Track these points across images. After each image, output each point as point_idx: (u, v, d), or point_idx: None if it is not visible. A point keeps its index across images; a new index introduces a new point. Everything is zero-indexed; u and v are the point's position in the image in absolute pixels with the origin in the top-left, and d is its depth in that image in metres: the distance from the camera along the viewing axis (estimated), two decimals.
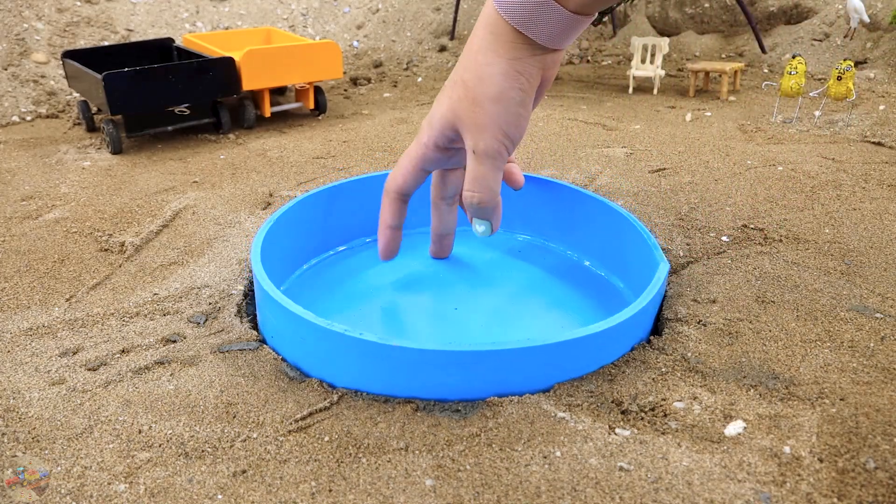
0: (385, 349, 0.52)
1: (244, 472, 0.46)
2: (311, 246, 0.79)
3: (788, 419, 0.50)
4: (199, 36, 1.55)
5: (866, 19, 1.83)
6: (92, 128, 1.36)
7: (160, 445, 0.49)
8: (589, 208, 0.78)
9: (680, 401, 0.52)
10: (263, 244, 0.67)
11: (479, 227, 0.61)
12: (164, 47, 1.49)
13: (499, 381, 0.53)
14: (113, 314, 0.68)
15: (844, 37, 1.89)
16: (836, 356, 0.58)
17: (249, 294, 0.73)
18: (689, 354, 0.59)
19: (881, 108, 1.42)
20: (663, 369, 0.57)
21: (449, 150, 0.60)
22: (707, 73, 1.64)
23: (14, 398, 0.55)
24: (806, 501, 0.43)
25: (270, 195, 1.00)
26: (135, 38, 1.87)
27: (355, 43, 2.09)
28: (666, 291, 0.70)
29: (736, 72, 1.63)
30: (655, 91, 1.66)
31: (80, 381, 0.57)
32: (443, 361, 0.52)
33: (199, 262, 0.79)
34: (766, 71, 1.84)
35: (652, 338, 0.62)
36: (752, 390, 0.54)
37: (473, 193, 0.57)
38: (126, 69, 1.16)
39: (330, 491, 0.45)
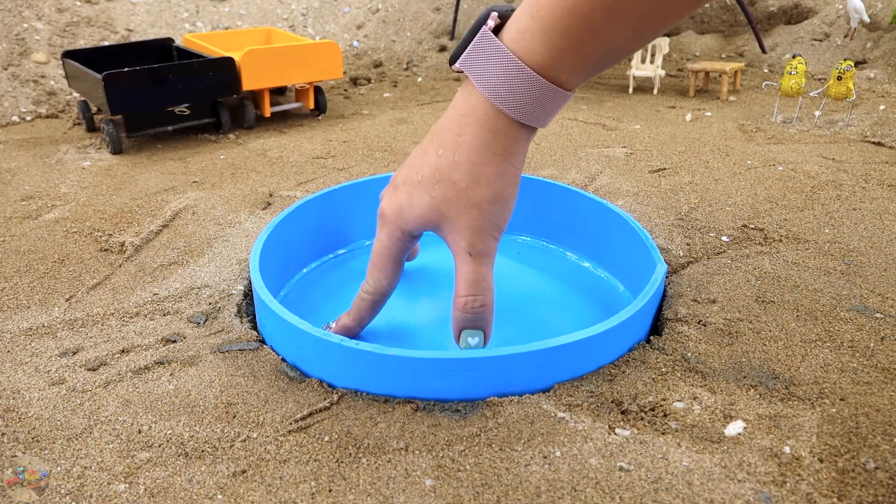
0: (382, 359, 0.52)
1: (244, 472, 0.46)
2: (311, 249, 0.79)
3: (788, 419, 0.50)
4: (199, 36, 1.55)
5: (866, 19, 1.83)
6: (92, 128, 1.36)
7: (160, 445, 0.49)
8: (588, 210, 0.78)
9: (680, 401, 0.52)
10: (263, 249, 0.67)
11: (473, 340, 0.53)
12: (164, 47, 1.49)
13: (498, 385, 0.53)
14: (113, 314, 0.68)
15: (844, 37, 1.89)
16: (836, 356, 0.58)
17: (249, 294, 0.73)
18: (689, 354, 0.58)
19: (881, 108, 1.42)
20: (663, 369, 0.56)
21: (419, 237, 0.56)
22: (707, 73, 1.64)
23: (14, 398, 0.55)
24: (806, 501, 0.43)
25: (270, 195, 1.00)
26: (135, 38, 1.87)
27: (355, 43, 2.09)
28: (666, 291, 0.70)
29: (736, 72, 1.63)
30: (655, 91, 1.66)
31: (79, 381, 0.57)
32: (441, 368, 0.52)
33: (199, 262, 0.79)
34: (766, 71, 1.84)
35: (652, 338, 0.62)
36: (752, 390, 0.54)
37: (476, 297, 0.52)
38: (126, 69, 1.16)
39: (330, 491, 0.45)
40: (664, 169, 1.09)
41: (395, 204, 0.54)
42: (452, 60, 0.50)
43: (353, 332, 0.61)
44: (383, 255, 0.56)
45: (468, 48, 0.48)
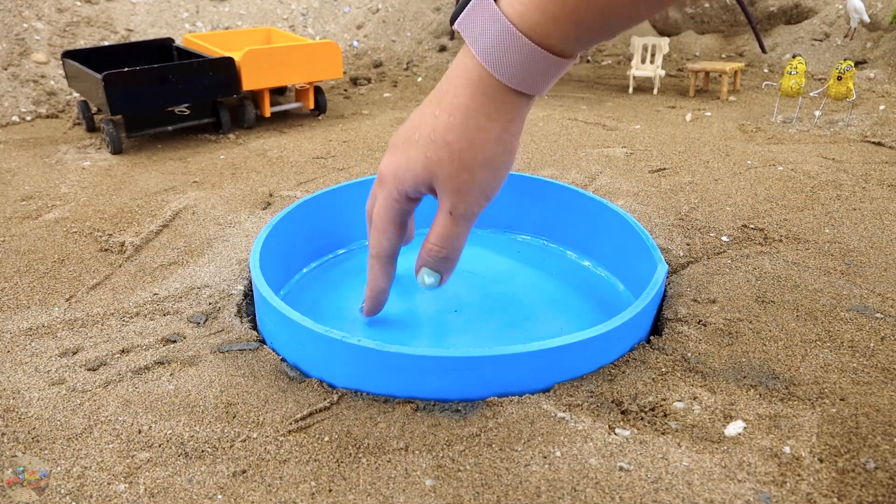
0: (383, 355, 0.52)
1: (244, 472, 0.46)
2: (310, 249, 0.79)
3: (788, 419, 0.50)
4: (199, 36, 1.55)
5: (866, 19, 1.83)
6: (92, 128, 1.36)
7: (160, 445, 0.49)
8: (589, 209, 0.78)
9: (680, 401, 0.52)
10: (263, 248, 0.67)
11: (429, 279, 0.57)
12: (164, 47, 1.49)
13: (498, 384, 0.53)
14: (113, 314, 0.68)
15: (844, 37, 1.89)
16: (836, 356, 0.58)
17: (249, 294, 0.73)
18: (689, 354, 0.58)
19: (881, 108, 1.42)
20: (663, 369, 0.56)
21: (418, 200, 0.57)
22: (707, 73, 1.64)
23: (14, 398, 0.55)
24: (806, 501, 0.43)
25: (270, 195, 1.00)
26: (135, 38, 1.87)
27: (355, 43, 2.09)
28: (666, 291, 0.70)
29: (736, 72, 1.63)
30: (655, 91, 1.66)
31: (79, 381, 0.57)
32: (441, 367, 0.52)
33: (199, 262, 0.79)
34: (766, 71, 1.84)
35: (652, 338, 0.62)
36: (752, 390, 0.54)
37: (441, 249, 0.54)
38: (126, 69, 1.16)
39: (330, 491, 0.45)
40: (664, 169, 1.09)
41: (392, 165, 0.54)
42: (452, 20, 0.49)
43: (376, 302, 0.62)
44: (382, 216, 0.57)
45: (466, 8, 0.47)
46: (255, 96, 1.40)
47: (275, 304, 0.57)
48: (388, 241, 0.58)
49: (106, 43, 1.80)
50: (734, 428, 0.49)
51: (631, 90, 1.67)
